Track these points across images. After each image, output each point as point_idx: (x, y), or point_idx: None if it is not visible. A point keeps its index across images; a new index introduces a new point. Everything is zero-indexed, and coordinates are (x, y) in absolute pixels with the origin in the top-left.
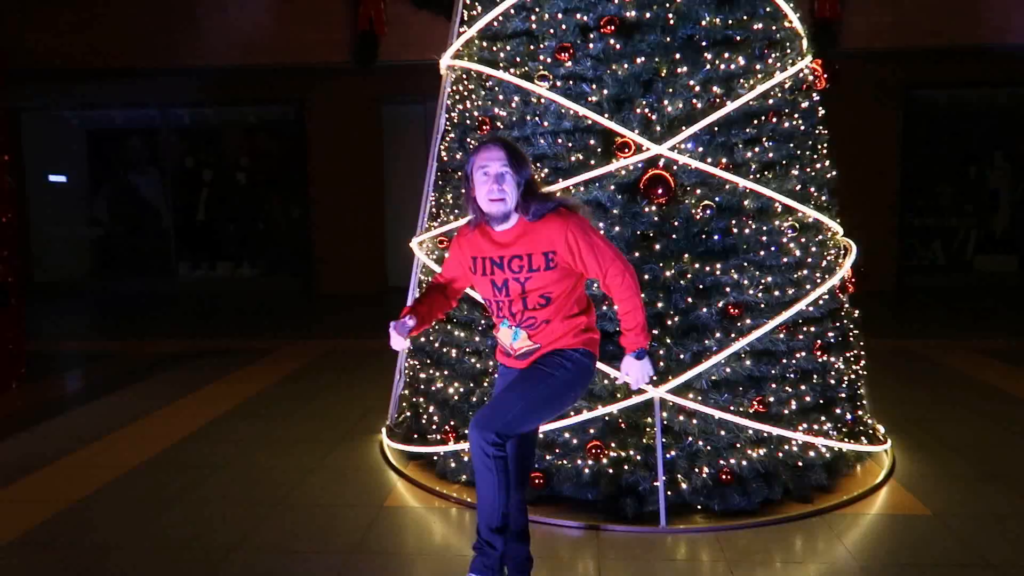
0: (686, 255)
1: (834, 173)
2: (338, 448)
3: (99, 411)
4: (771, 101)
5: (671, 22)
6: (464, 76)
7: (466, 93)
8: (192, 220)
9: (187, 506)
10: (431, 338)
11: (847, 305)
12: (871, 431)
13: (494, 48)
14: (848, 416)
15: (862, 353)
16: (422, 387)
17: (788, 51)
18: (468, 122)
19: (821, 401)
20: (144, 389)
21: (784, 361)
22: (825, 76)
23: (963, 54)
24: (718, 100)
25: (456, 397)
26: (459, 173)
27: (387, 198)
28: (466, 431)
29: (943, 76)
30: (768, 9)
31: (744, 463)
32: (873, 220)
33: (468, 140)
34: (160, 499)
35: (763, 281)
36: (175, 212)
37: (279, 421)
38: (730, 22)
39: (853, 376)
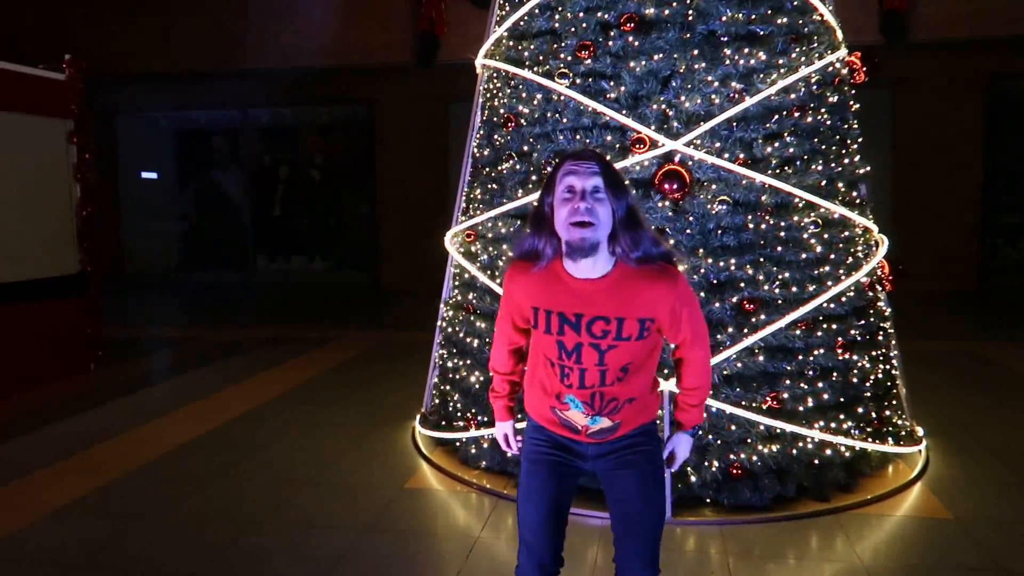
0: (700, 250)
1: (867, 169)
2: (373, 433)
3: (163, 392)
4: (793, 96)
5: (690, 18)
6: (494, 74)
7: (494, 91)
8: (269, 216)
9: (225, 482)
10: (456, 329)
11: (880, 304)
12: (905, 432)
13: (519, 47)
14: (873, 415)
15: (893, 352)
16: (449, 376)
17: (816, 45)
18: (495, 119)
19: (842, 399)
20: (208, 373)
21: (801, 358)
22: (864, 69)
23: None
24: (737, 96)
25: (477, 386)
26: (488, 170)
27: (451, 196)
28: (486, 418)
29: None
30: (796, 3)
31: (755, 458)
32: (952, 217)
33: (495, 136)
34: (201, 474)
35: (780, 277)
36: (253, 208)
37: (325, 406)
38: (753, 17)
39: (881, 375)
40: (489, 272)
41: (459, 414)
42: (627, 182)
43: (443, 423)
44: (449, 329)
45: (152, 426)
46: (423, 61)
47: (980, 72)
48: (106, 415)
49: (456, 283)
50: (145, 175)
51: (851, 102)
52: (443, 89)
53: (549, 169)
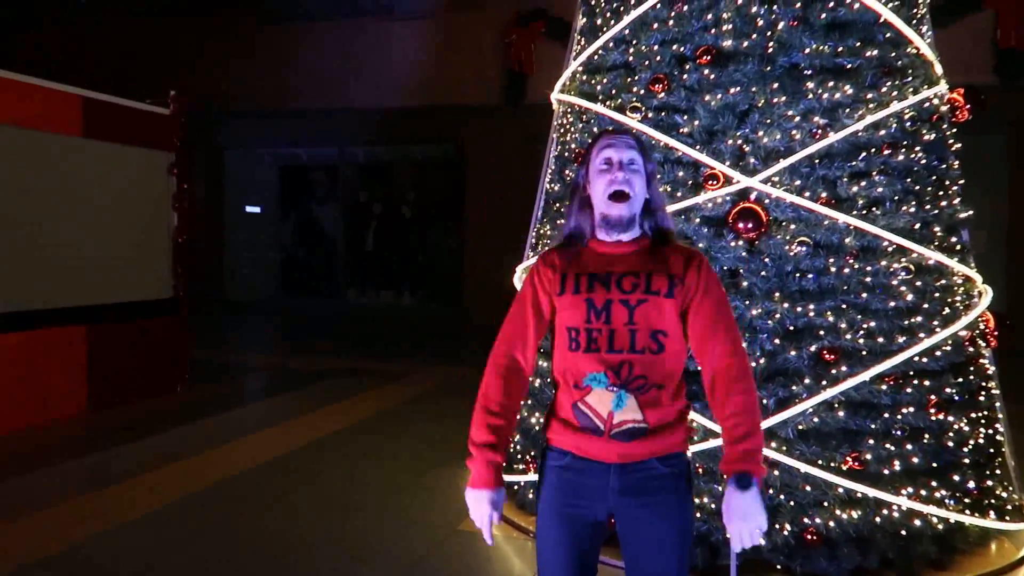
0: (776, 294)
1: (969, 213)
2: (434, 469)
3: (242, 417)
4: (883, 132)
5: (770, 51)
6: (567, 109)
7: (567, 126)
8: (361, 249)
9: (281, 507)
10: None
11: (983, 360)
12: (1012, 506)
13: (593, 81)
14: (972, 485)
15: (999, 415)
16: None
17: (911, 79)
18: (567, 154)
19: (934, 464)
20: (286, 400)
21: (887, 416)
22: (967, 107)
23: None
24: (820, 132)
25: (537, 427)
26: (559, 206)
27: None
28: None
29: None
30: (888, 35)
31: (832, 524)
32: None
33: (566, 172)
34: (261, 498)
35: (864, 326)
36: (347, 242)
37: (391, 438)
38: (840, 49)
39: (983, 440)
40: None
41: (519, 456)
42: (698, 220)
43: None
44: None
45: (224, 449)
46: (511, 100)
47: None
48: (183, 436)
49: None
50: (249, 208)
51: (951, 141)
52: (530, 128)
53: None
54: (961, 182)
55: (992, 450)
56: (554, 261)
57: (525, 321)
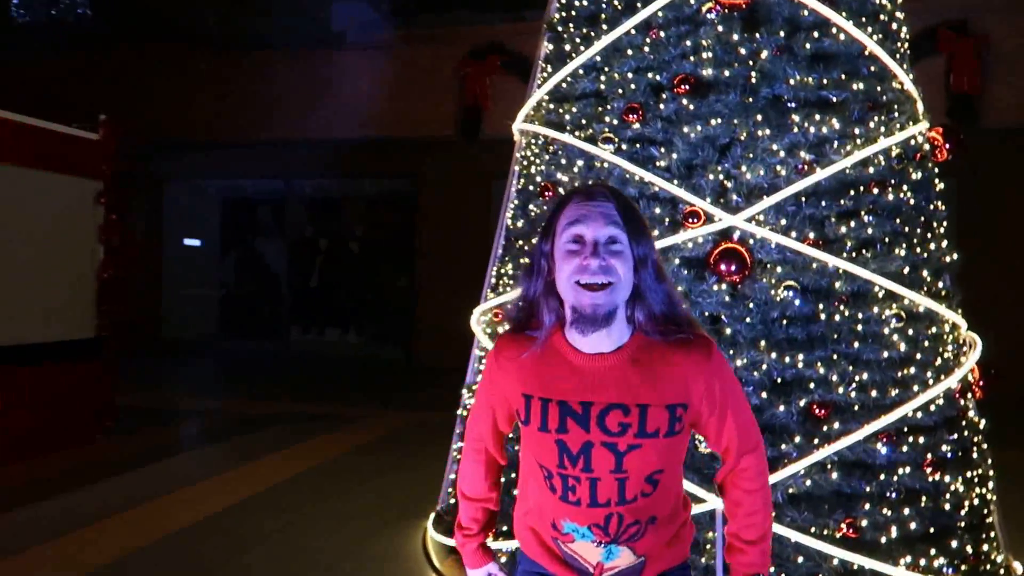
0: (762, 342)
1: (955, 256)
2: (383, 531)
3: (171, 469)
4: (871, 170)
5: (753, 81)
6: (532, 140)
7: (532, 158)
8: (306, 287)
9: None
10: None
11: (971, 413)
12: (1004, 570)
13: (561, 110)
14: (969, 550)
15: (991, 472)
16: None
17: (897, 115)
18: (531, 188)
19: (932, 530)
20: (223, 450)
21: (883, 477)
22: (947, 147)
23: None
24: (806, 167)
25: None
26: (522, 243)
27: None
28: (506, 526)
29: None
30: (873, 68)
31: None
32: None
33: (530, 207)
34: (187, 568)
35: (857, 378)
36: (291, 278)
37: (337, 495)
38: (825, 81)
39: (977, 501)
40: None
41: None
42: (677, 261)
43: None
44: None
45: (146, 508)
46: (466, 135)
47: None
48: (101, 494)
49: (480, 367)
50: (188, 241)
51: (936, 180)
52: (487, 164)
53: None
54: (946, 223)
55: (985, 511)
56: (519, 370)
57: (488, 422)
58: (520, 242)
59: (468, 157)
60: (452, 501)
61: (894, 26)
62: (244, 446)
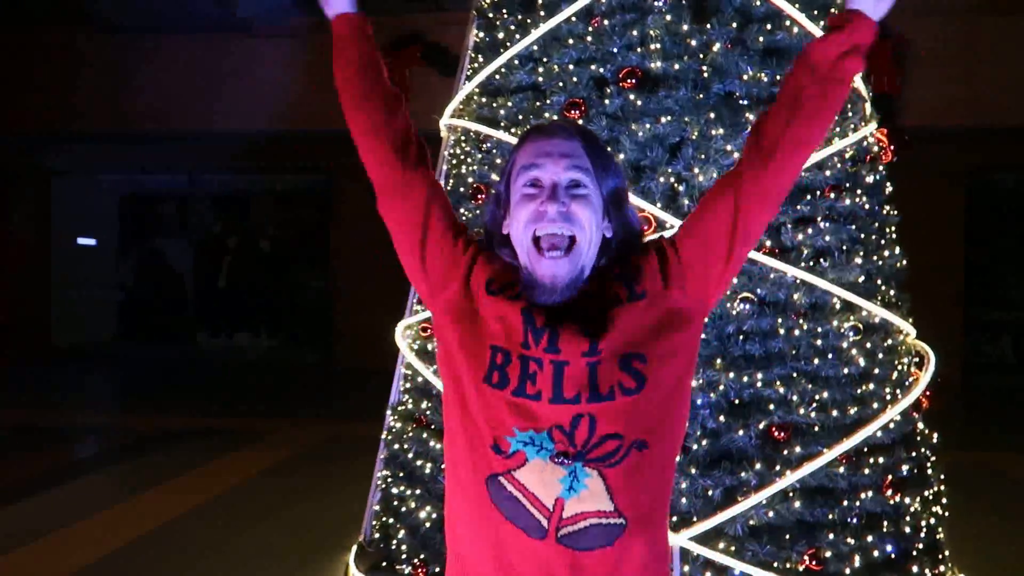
0: (718, 360)
1: (904, 262)
2: (300, 571)
3: (47, 504)
4: (828, 173)
5: (705, 75)
6: (462, 137)
7: (462, 156)
8: (214, 287)
9: None
10: (404, 446)
11: (921, 425)
12: None
13: (494, 104)
14: (928, 572)
15: (942, 488)
16: (393, 504)
17: (850, 115)
18: (462, 189)
19: (893, 556)
20: (116, 476)
21: (846, 503)
22: (891, 148)
23: None
24: None
25: (428, 524)
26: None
27: None
28: (439, 568)
29: (1014, 158)
30: None
31: None
32: (937, 313)
33: (461, 210)
34: None
35: (817, 397)
36: (198, 279)
37: (246, 526)
38: (778, 78)
39: (933, 520)
40: None
41: (404, 556)
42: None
43: (384, 563)
44: (396, 445)
45: (16, 555)
46: None
47: (963, 163)
48: None
49: (407, 386)
50: (83, 241)
51: (887, 183)
52: None
53: None
54: (896, 227)
55: (940, 529)
56: (491, 275)
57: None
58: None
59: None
60: (376, 535)
61: None
62: (137, 472)
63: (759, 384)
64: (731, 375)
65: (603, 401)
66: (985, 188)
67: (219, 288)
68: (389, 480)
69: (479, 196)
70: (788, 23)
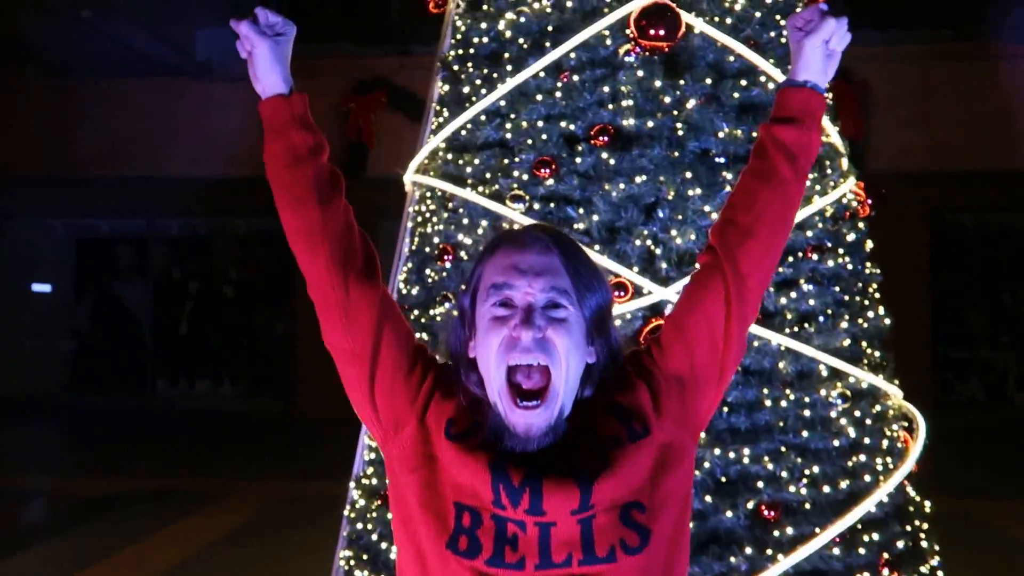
0: (702, 435)
1: (887, 321)
2: None
3: None
4: (809, 233)
5: (680, 133)
6: (427, 194)
7: (427, 215)
8: (174, 334)
9: None
10: (368, 526)
11: (912, 492)
12: None
13: (460, 161)
14: None
15: (938, 560)
16: None
17: (829, 171)
18: (427, 249)
19: None
20: (61, 546)
21: None
22: (869, 202)
23: (995, 177)
24: None
25: None
26: (418, 312)
27: None
28: None
29: (973, 199)
30: None
31: None
32: (905, 352)
33: (427, 271)
34: None
35: (808, 472)
36: (156, 325)
37: None
38: (754, 134)
39: None
40: None
41: None
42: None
43: None
44: (359, 525)
45: None
46: (350, 173)
47: (927, 204)
48: None
49: (371, 458)
50: (36, 287)
51: (867, 240)
52: (371, 204)
53: None
54: (879, 285)
55: None
56: (451, 415)
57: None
58: (416, 312)
59: (350, 196)
60: None
61: None
62: (76, 545)
63: (746, 460)
64: (717, 451)
65: (601, 564)
66: (948, 228)
67: (179, 334)
68: (352, 563)
69: (445, 257)
70: (763, 78)
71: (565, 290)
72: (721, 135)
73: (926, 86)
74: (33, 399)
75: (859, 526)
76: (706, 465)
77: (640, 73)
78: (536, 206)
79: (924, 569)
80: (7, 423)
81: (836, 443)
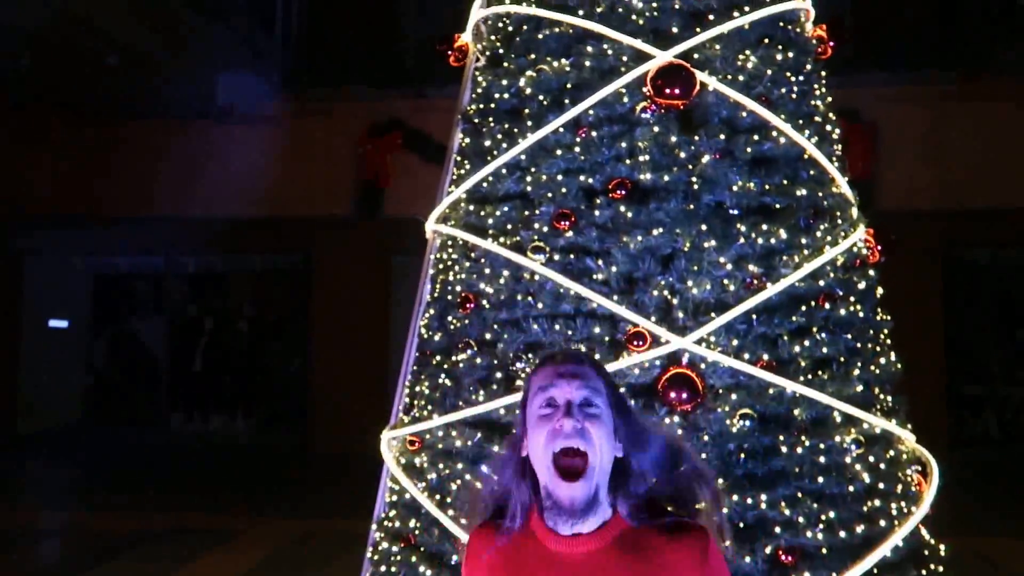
0: (720, 481)
1: (899, 366)
2: None
3: None
4: (822, 282)
5: (695, 187)
6: (449, 243)
7: (449, 263)
8: (189, 369)
9: None
10: (392, 568)
11: (926, 535)
12: None
13: (482, 213)
14: None
15: None
16: None
17: (840, 221)
18: (449, 297)
19: None
20: None
21: None
22: (879, 248)
23: (1007, 213)
24: (756, 282)
25: None
26: (440, 359)
27: (392, 355)
28: None
29: (985, 236)
30: (812, 172)
31: None
32: (920, 389)
33: (448, 318)
34: None
35: (823, 517)
36: (172, 361)
37: None
38: (767, 187)
39: None
40: (439, 497)
41: None
42: (622, 389)
43: None
44: (382, 567)
45: None
46: (366, 213)
47: (939, 241)
48: None
49: (393, 500)
50: (54, 323)
51: (877, 287)
52: (386, 242)
53: (519, 366)
54: (890, 331)
55: None
56: (481, 552)
57: None
58: (438, 358)
59: (365, 235)
60: None
61: (828, 127)
62: None
63: (763, 505)
64: (734, 497)
65: None
66: (961, 265)
67: (195, 370)
68: None
69: (467, 306)
70: (775, 133)
71: (598, 389)
72: (735, 188)
73: (936, 125)
74: (50, 433)
75: (875, 571)
76: (724, 511)
77: (656, 129)
78: (556, 257)
79: None
80: (25, 457)
81: (851, 488)
